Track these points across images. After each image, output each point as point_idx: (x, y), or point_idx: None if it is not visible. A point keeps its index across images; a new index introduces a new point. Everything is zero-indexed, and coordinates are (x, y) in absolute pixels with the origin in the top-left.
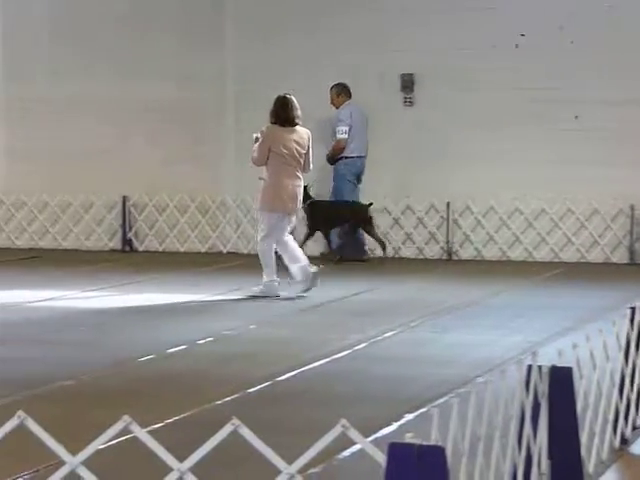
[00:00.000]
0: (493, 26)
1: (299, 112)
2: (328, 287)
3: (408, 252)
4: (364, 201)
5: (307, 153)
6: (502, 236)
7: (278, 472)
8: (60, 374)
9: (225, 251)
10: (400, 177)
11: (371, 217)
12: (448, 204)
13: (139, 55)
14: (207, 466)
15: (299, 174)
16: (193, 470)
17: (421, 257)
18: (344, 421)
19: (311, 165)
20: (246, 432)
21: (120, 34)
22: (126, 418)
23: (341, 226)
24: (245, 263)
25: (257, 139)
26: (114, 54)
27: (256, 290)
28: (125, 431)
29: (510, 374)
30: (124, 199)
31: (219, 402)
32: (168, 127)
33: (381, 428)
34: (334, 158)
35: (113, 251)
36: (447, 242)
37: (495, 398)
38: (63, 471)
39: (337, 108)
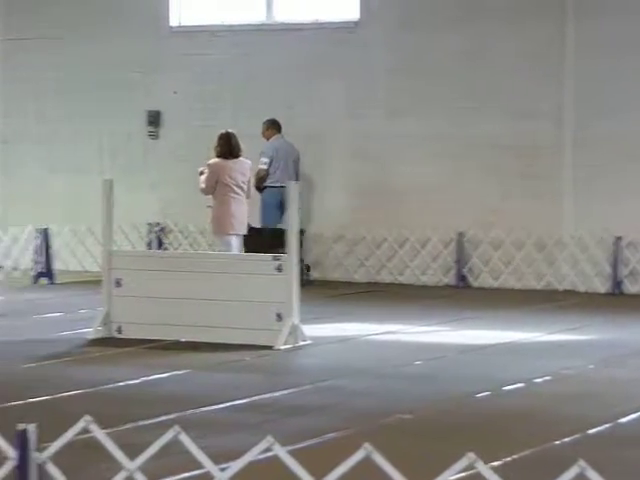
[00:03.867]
0: None
1: (241, 145)
2: None
3: None
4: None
5: (249, 182)
6: None
7: None
8: (399, 407)
9: (561, 289)
10: None
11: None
12: None
13: (478, 90)
14: None
15: (243, 200)
16: None
17: None
18: None
19: (250, 193)
20: (593, 475)
21: (458, 70)
22: (471, 455)
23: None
24: (582, 302)
25: (202, 172)
26: (452, 90)
27: None
28: (468, 467)
29: None
30: (459, 235)
31: (557, 442)
32: (504, 162)
33: None
34: (258, 187)
35: (448, 287)
36: None
37: None
38: None
39: (267, 140)
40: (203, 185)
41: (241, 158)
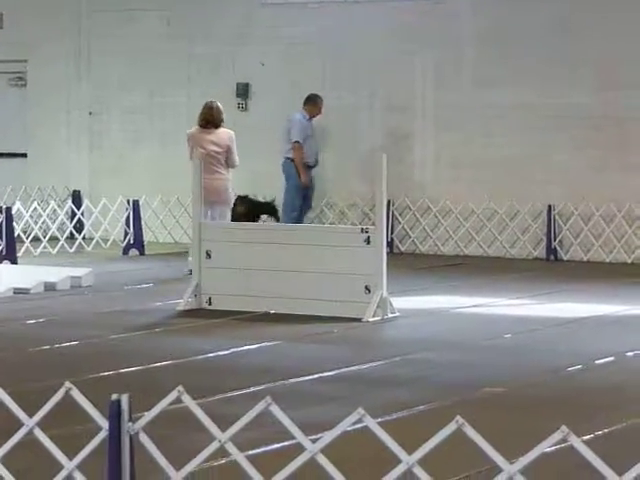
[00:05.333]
0: None
1: (222, 116)
2: None
3: None
4: None
5: (227, 151)
6: None
7: None
8: (488, 381)
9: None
10: None
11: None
12: None
13: (567, 61)
14: None
15: (219, 169)
16: None
17: None
18: None
19: (235, 162)
20: None
21: (548, 39)
22: (564, 428)
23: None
24: None
25: None
26: (541, 60)
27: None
28: (561, 441)
29: None
30: (549, 207)
31: None
32: (595, 134)
33: None
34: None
35: (537, 260)
36: None
37: None
38: (502, 478)
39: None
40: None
41: (221, 129)
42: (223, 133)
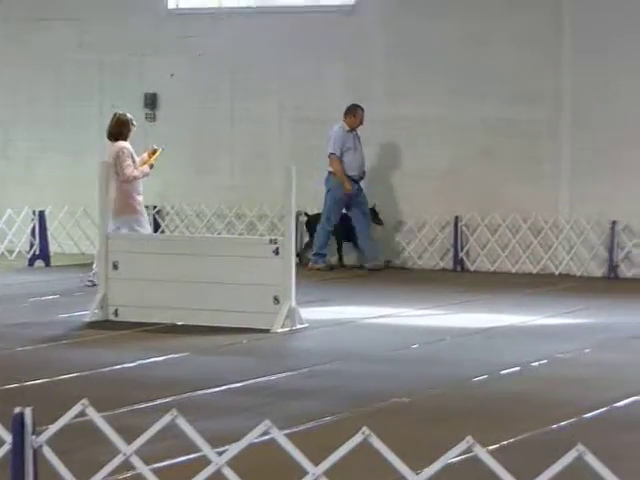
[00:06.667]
0: None
1: (121, 128)
2: None
3: None
4: None
5: (115, 165)
6: None
7: None
8: (395, 391)
9: (557, 273)
10: None
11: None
12: None
13: (476, 74)
14: None
15: (114, 181)
16: None
17: None
18: None
19: (123, 174)
20: (591, 459)
21: (456, 53)
22: (469, 439)
23: None
24: (578, 285)
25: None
26: (450, 73)
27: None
28: (466, 451)
29: None
30: (456, 218)
31: (554, 426)
32: (502, 146)
33: None
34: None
35: (444, 270)
36: None
37: None
38: None
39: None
40: None
41: (116, 142)
42: (114, 146)
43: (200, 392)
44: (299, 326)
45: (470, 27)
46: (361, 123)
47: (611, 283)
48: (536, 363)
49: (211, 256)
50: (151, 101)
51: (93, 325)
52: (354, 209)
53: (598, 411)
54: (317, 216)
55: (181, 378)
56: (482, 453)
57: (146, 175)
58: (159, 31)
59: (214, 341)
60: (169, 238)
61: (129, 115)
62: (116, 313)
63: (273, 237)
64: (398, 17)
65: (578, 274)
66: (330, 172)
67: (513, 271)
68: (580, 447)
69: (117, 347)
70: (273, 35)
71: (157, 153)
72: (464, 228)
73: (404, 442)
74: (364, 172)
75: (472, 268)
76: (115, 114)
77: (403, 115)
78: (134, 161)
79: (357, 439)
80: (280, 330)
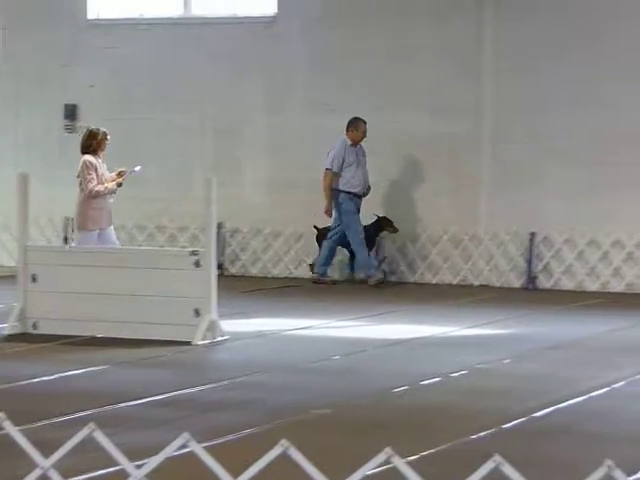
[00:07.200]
0: None
1: (88, 142)
2: (582, 323)
3: None
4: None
5: (80, 177)
6: None
7: None
8: (316, 403)
9: (477, 284)
10: None
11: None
12: None
13: (397, 87)
14: None
15: (80, 194)
16: None
17: None
18: (609, 461)
19: (86, 188)
20: (508, 469)
21: (376, 66)
22: (388, 450)
23: None
24: (497, 297)
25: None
26: (371, 85)
27: None
28: (385, 462)
29: None
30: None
31: (473, 437)
32: (422, 158)
33: None
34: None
35: (363, 281)
36: None
37: None
38: None
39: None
40: None
41: (84, 155)
42: (81, 160)
43: (120, 405)
44: (220, 338)
45: (392, 39)
46: (364, 136)
47: (530, 294)
48: (456, 374)
49: (132, 268)
50: (71, 112)
51: (11, 338)
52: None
53: (517, 421)
54: (326, 230)
55: (101, 391)
56: (400, 464)
57: (112, 192)
58: (79, 41)
59: (135, 354)
60: (89, 250)
61: (102, 129)
62: (35, 326)
63: (194, 249)
64: (319, 29)
65: (497, 285)
66: (335, 190)
67: (433, 282)
68: (497, 458)
69: (36, 360)
70: (194, 46)
71: (125, 174)
72: (384, 239)
73: (324, 454)
74: (369, 187)
75: (393, 279)
76: (87, 128)
77: (323, 127)
78: (98, 175)
79: (276, 451)
80: (201, 343)
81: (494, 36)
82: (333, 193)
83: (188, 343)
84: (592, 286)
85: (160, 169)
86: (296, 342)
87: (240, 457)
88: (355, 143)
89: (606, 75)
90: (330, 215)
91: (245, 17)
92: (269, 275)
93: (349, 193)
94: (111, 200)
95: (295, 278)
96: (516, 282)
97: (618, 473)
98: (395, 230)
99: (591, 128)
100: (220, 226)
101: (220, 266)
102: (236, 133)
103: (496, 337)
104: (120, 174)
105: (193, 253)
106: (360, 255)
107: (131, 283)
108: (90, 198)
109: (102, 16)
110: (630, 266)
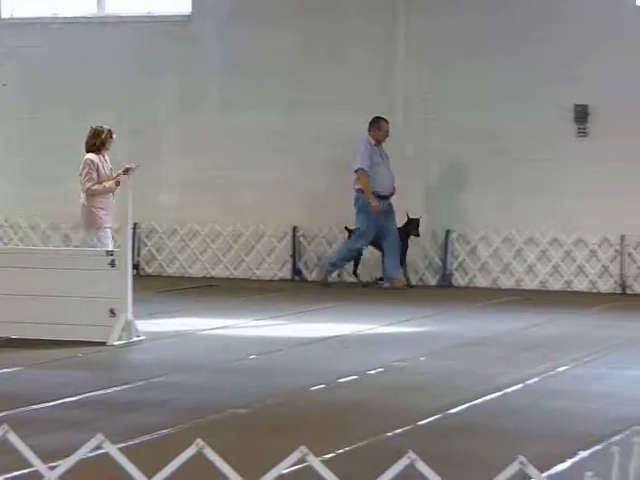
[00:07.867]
0: None
1: (92, 141)
2: (497, 320)
3: (581, 285)
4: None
5: (81, 176)
6: None
7: None
8: (233, 402)
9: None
10: (572, 209)
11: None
12: (622, 237)
13: (313, 85)
14: None
15: (81, 193)
16: None
17: (594, 291)
18: (522, 457)
19: (84, 186)
20: (422, 466)
21: (291, 66)
22: (303, 448)
23: None
24: (413, 294)
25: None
26: (286, 84)
27: None
28: (300, 461)
29: None
30: (294, 229)
31: (389, 434)
32: (335, 156)
33: (554, 465)
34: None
35: (283, 280)
36: (621, 276)
37: None
38: None
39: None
40: None
41: (87, 153)
42: (83, 159)
43: (33, 407)
44: (136, 338)
45: (308, 37)
46: (387, 135)
47: (445, 291)
48: (373, 371)
49: (47, 269)
50: None
51: None
52: (384, 227)
53: (433, 418)
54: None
55: (14, 392)
56: (315, 462)
57: (110, 191)
58: None
59: (49, 355)
60: (3, 250)
61: (106, 127)
62: None
63: (109, 249)
64: (234, 27)
65: (413, 283)
66: (358, 190)
67: (350, 280)
68: (411, 454)
69: None
70: (109, 45)
71: (128, 171)
72: (302, 239)
73: (240, 453)
74: (394, 188)
75: (310, 278)
76: (91, 127)
77: (238, 126)
78: (99, 174)
79: (191, 451)
80: (116, 343)
81: (407, 32)
82: (358, 195)
83: (103, 343)
84: (507, 283)
85: (75, 169)
86: (213, 342)
87: (155, 457)
88: (378, 142)
89: (523, 71)
90: (379, 213)
91: (160, 16)
92: (185, 275)
93: (373, 193)
94: (113, 200)
95: (212, 278)
96: (432, 280)
97: (531, 469)
98: (417, 234)
99: (507, 124)
100: (136, 226)
101: (136, 266)
102: (151, 134)
103: (413, 334)
104: (126, 171)
105: (108, 253)
106: (340, 255)
107: (45, 284)
108: (89, 197)
109: (15, 15)
110: (543, 263)
